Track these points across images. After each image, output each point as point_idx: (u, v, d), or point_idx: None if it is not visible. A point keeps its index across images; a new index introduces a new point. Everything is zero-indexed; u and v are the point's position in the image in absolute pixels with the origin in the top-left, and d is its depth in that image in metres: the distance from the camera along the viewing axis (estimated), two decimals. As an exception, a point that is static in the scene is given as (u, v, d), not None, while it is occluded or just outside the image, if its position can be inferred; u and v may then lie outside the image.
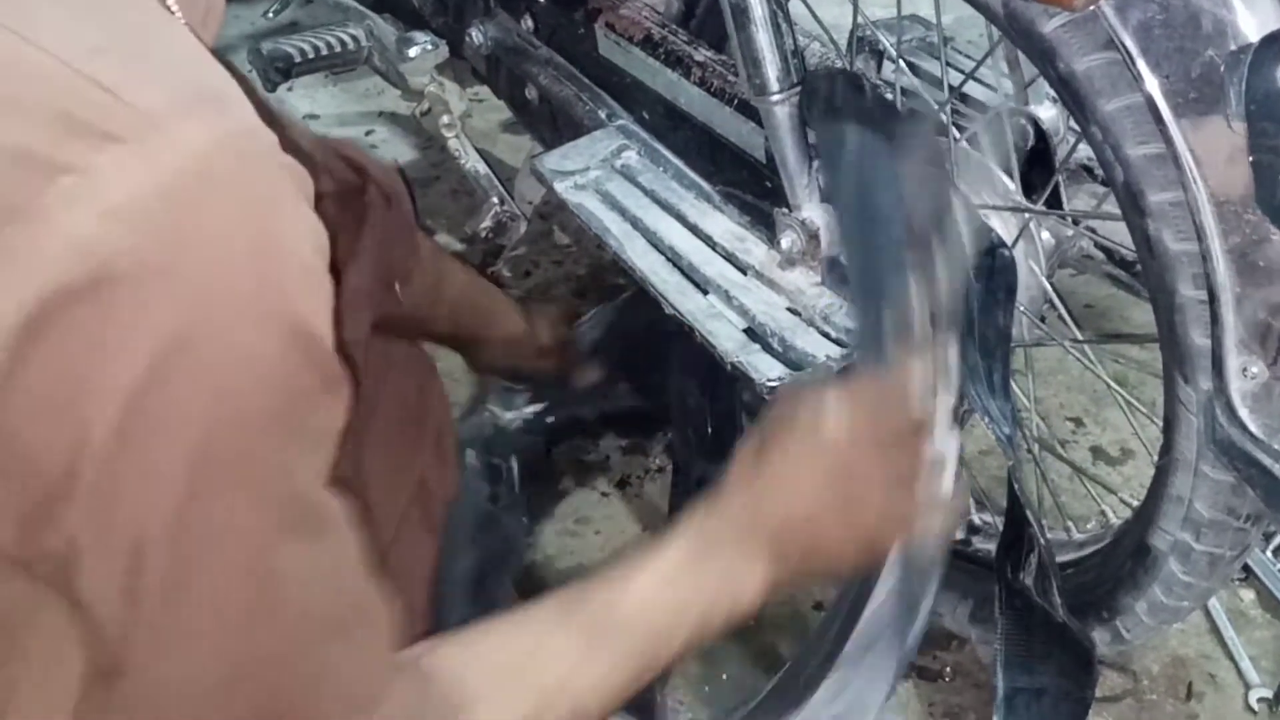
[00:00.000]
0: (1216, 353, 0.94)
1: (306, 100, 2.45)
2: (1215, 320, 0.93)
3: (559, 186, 1.34)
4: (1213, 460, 0.98)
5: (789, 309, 1.18)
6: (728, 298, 1.19)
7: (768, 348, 1.14)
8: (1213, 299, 0.93)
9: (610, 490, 1.68)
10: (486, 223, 1.59)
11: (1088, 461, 1.72)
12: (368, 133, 2.37)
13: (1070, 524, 1.34)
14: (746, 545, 0.87)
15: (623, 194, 1.32)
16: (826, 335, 1.14)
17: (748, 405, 1.65)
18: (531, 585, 1.54)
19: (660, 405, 1.76)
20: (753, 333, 1.17)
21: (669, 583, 0.85)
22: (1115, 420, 1.74)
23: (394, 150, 2.31)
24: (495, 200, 1.58)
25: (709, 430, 1.62)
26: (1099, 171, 1.26)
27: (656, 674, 0.85)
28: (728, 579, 0.87)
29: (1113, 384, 1.24)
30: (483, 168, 1.61)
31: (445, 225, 2.12)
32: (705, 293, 1.22)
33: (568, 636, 0.81)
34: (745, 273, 1.23)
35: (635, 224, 1.29)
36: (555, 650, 0.80)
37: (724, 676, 1.42)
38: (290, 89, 2.46)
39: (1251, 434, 0.94)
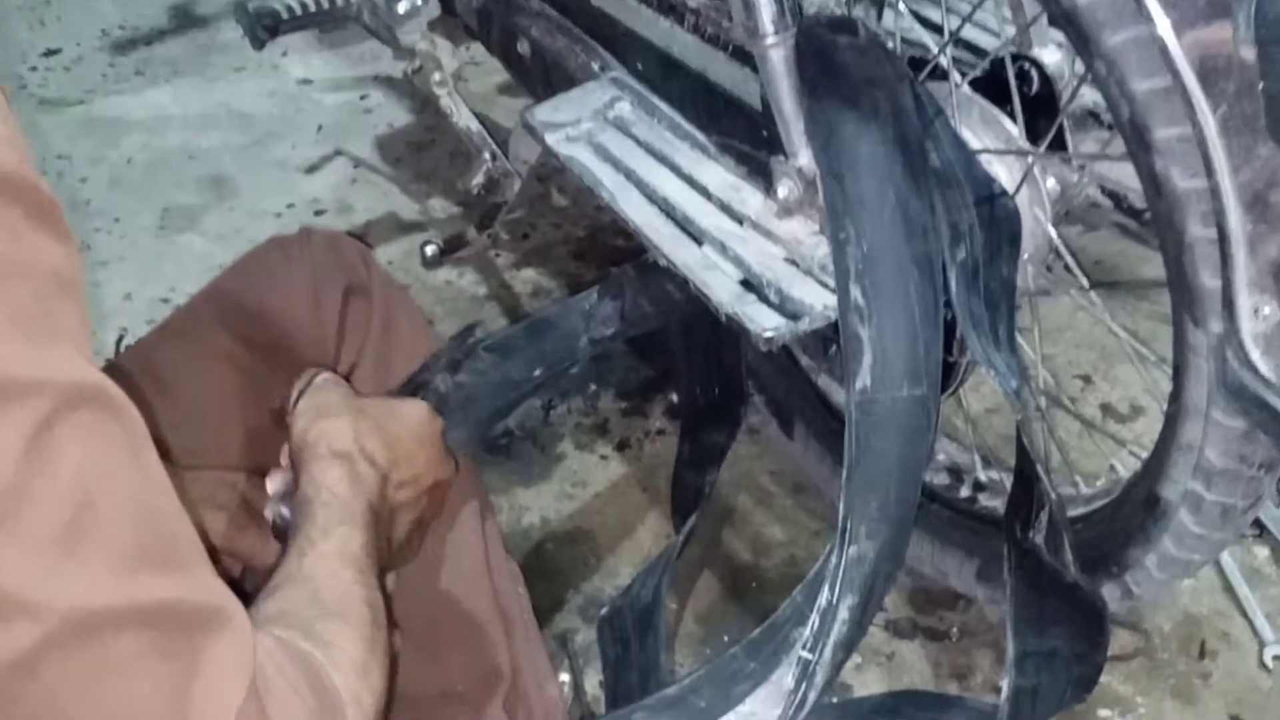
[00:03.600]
0: (1227, 294, 0.91)
1: (300, 65, 2.42)
2: (1226, 260, 0.90)
3: (550, 139, 1.30)
4: (1224, 406, 0.95)
5: (786, 259, 1.14)
6: (723, 249, 1.16)
7: (764, 299, 1.11)
8: (1223, 238, 0.89)
9: (610, 453, 1.65)
10: (479, 179, 1.55)
11: (1097, 419, 1.69)
12: (362, 97, 2.34)
13: (1078, 479, 1.31)
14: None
15: (616, 146, 1.29)
16: (825, 285, 1.11)
17: (752, 365, 1.63)
18: (530, 550, 1.52)
19: (664, 367, 1.75)
20: (749, 284, 1.13)
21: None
22: (1125, 377, 1.71)
23: (389, 115, 2.28)
24: (487, 156, 1.54)
25: (715, 391, 1.59)
26: (1105, 117, 1.23)
27: None
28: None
29: (1121, 332, 1.20)
30: (475, 125, 1.57)
31: (441, 188, 2.09)
32: (700, 244, 1.18)
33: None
34: (741, 223, 1.19)
35: (629, 176, 1.25)
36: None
37: (724, 638, 1.40)
38: (285, 54, 2.44)
39: (1264, 377, 0.90)
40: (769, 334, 1.06)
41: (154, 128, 2.30)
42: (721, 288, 1.12)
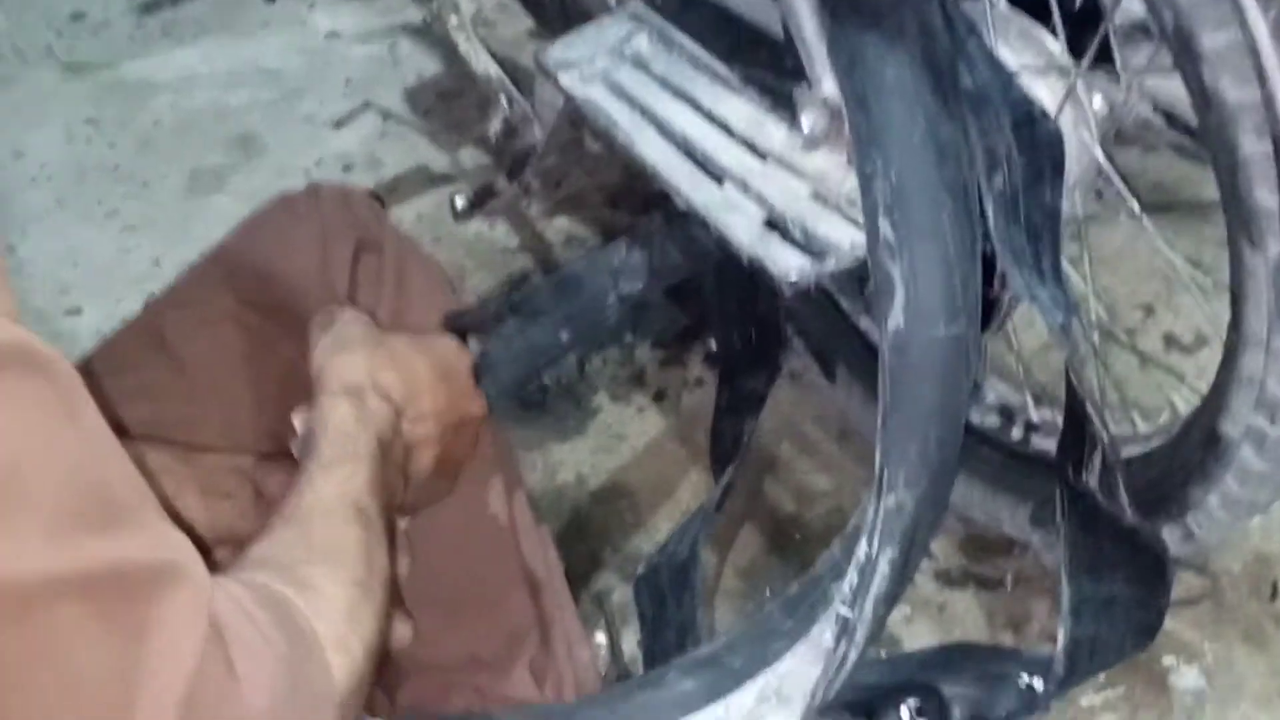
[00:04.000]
0: (1286, 212, 0.83)
1: (328, 17, 2.37)
2: (1284, 175, 0.82)
3: (564, 80, 1.24)
4: (1286, 334, 0.88)
5: (813, 195, 1.08)
6: (745, 187, 1.10)
7: (788, 237, 1.05)
8: (1278, 151, 0.82)
9: (647, 404, 1.60)
10: (496, 125, 1.50)
11: (1159, 351, 1.61)
12: (391, 47, 2.28)
13: (1136, 416, 1.24)
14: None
15: (633, 83, 1.22)
16: (853, 221, 1.04)
17: (790, 308, 1.57)
18: (565, 509, 1.47)
19: (702, 314, 1.69)
20: (773, 224, 1.07)
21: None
22: (1189, 306, 1.62)
23: (419, 65, 2.22)
24: (504, 101, 1.48)
25: (753, 338, 1.53)
26: (1154, 28, 1.14)
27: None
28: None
29: (1177, 259, 1.13)
30: (495, 70, 1.51)
31: (472, 139, 2.03)
32: (721, 183, 1.12)
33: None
34: (765, 159, 1.12)
35: (645, 114, 1.19)
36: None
37: (767, 593, 1.35)
38: (312, 6, 2.39)
39: (1328, 301, 0.83)
40: (793, 276, 1.00)
41: (181, 88, 2.26)
42: (743, 228, 1.06)
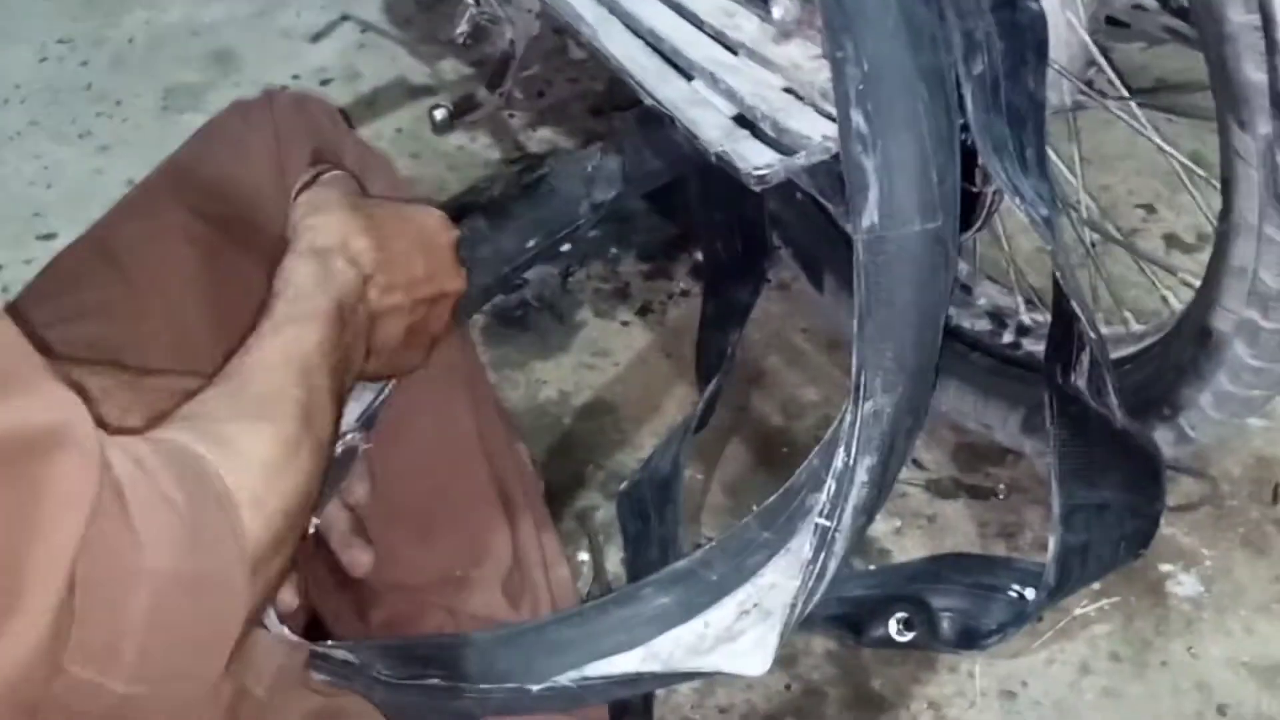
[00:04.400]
0: (1275, 87, 0.78)
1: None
2: (1272, 48, 0.77)
3: (528, -26, 1.18)
4: (1278, 220, 0.83)
5: (785, 88, 1.02)
6: (714, 81, 1.04)
7: (758, 133, 0.99)
8: (1267, 21, 0.77)
9: (631, 318, 1.55)
10: (462, 28, 1.44)
11: (1160, 250, 1.56)
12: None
13: (1129, 315, 1.19)
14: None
15: (599, -23, 1.17)
16: (827, 114, 0.99)
17: (776, 215, 1.52)
18: (549, 426, 1.43)
19: (688, 224, 1.64)
20: (744, 120, 1.02)
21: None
22: (1190, 205, 1.56)
23: (400, -26, 2.16)
24: (470, 1, 1.42)
25: (738, 246, 1.48)
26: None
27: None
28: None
29: (1167, 146, 1.07)
30: (465, -30, 1.46)
31: (453, 50, 1.97)
32: (690, 79, 1.07)
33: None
34: (736, 52, 1.07)
35: (612, 9, 1.14)
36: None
37: (754, 508, 1.30)
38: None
39: (1323, 183, 0.78)
40: (760, 171, 0.95)
41: (156, 4, 2.20)
42: (711, 124, 1.01)
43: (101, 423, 0.62)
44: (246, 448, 0.72)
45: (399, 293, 0.95)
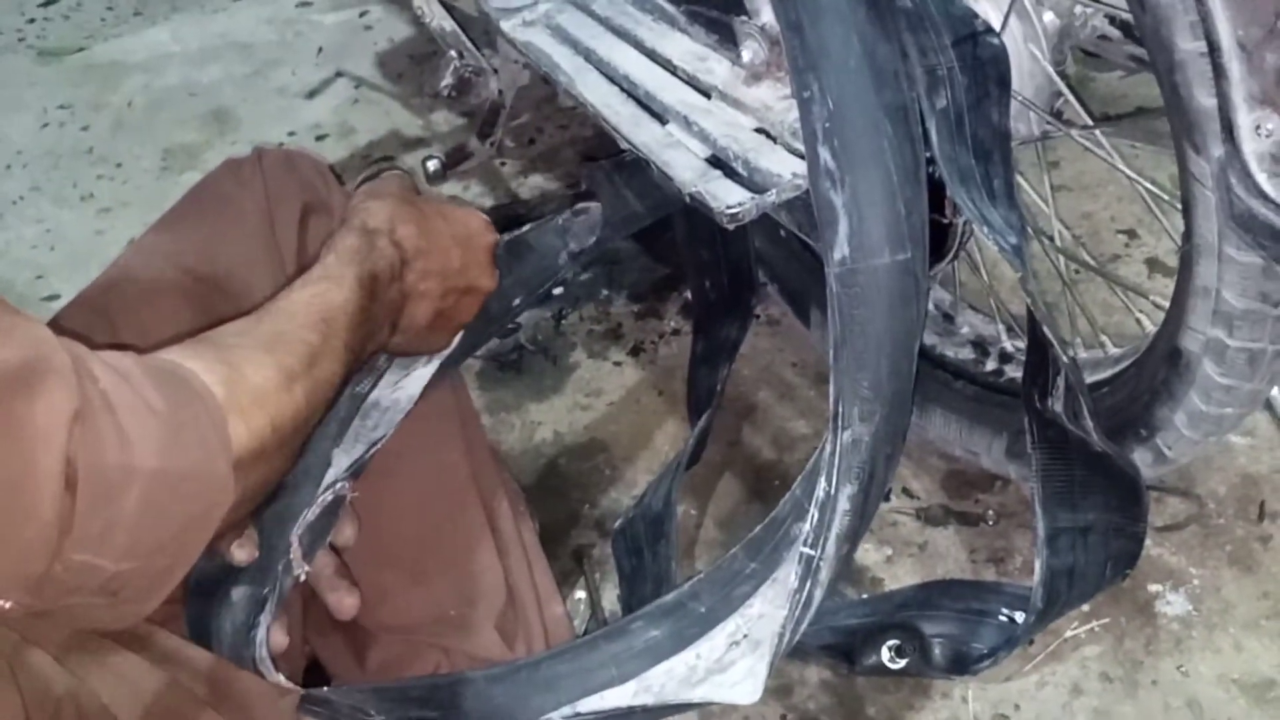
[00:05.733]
0: (1225, 112, 0.80)
1: (300, -13, 2.35)
2: (1219, 73, 0.79)
3: (506, 26, 1.22)
4: (1236, 239, 0.85)
5: (756, 129, 1.05)
6: (687, 124, 1.07)
7: (730, 173, 1.02)
8: (1213, 49, 0.79)
9: (623, 358, 1.57)
10: (447, 80, 1.47)
11: (1144, 275, 1.58)
12: (362, 14, 2.26)
13: (1105, 339, 1.21)
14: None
15: (575, 26, 1.20)
16: (797, 153, 1.01)
17: (761, 253, 1.54)
18: (544, 466, 1.45)
19: (677, 264, 1.66)
20: (717, 160, 1.04)
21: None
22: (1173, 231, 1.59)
23: (390, 29, 2.20)
24: (454, 54, 1.45)
25: (725, 284, 1.51)
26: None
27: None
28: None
29: (1130, 171, 1.09)
30: (449, 25, 1.48)
31: (445, 102, 2.00)
32: (664, 122, 1.09)
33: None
34: (709, 96, 1.10)
35: (588, 57, 1.17)
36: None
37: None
38: (284, -23, 2.37)
39: (1274, 201, 0.80)
40: (732, 209, 0.98)
41: (154, 68, 2.24)
42: (685, 165, 1.04)
43: (90, 344, 0.69)
44: (242, 368, 0.78)
45: (434, 279, 1.02)
